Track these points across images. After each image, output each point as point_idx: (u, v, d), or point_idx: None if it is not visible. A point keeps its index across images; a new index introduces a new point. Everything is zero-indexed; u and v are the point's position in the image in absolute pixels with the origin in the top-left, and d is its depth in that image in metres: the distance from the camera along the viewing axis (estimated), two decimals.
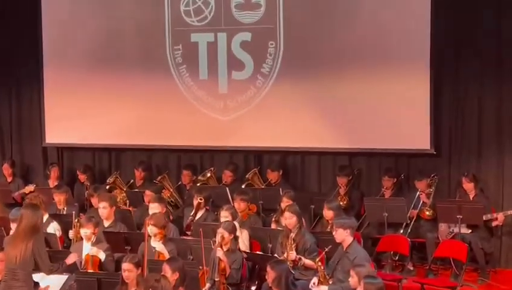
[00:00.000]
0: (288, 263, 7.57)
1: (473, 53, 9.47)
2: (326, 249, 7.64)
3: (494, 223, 9.00)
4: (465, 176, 9.20)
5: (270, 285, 7.05)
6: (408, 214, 9.14)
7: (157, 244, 7.88)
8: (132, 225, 8.96)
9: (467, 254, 8.30)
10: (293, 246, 7.82)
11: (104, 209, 8.60)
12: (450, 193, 9.66)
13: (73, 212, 8.82)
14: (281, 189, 9.45)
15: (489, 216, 8.91)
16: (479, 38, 9.42)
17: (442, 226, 9.06)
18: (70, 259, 7.33)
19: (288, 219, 8.05)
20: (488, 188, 9.50)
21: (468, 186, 9.18)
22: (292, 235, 7.90)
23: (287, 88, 10.15)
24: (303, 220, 8.28)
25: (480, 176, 9.45)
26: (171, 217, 9.32)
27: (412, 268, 9.12)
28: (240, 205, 8.90)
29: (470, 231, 8.95)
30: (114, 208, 8.73)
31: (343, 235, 7.56)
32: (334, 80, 9.89)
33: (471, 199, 9.13)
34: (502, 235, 9.41)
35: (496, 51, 9.40)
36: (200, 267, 7.62)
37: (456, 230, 8.83)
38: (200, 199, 9.01)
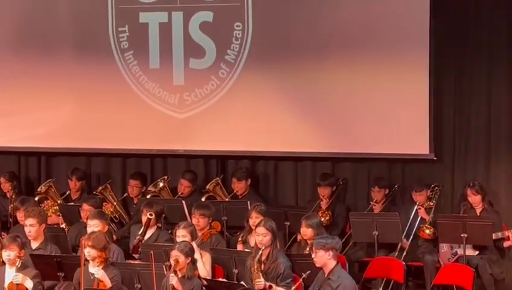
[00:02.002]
0: None
1: (480, 38, 9.55)
2: (304, 275, 7.69)
3: (505, 244, 9.07)
4: (470, 187, 9.26)
5: None
6: (403, 233, 9.16)
7: (96, 270, 7.86)
8: (66, 247, 8.92)
9: (473, 281, 8.37)
10: (259, 270, 7.79)
11: (31, 227, 8.56)
12: (453, 208, 9.75)
13: None
14: (249, 202, 9.45)
15: (499, 235, 8.99)
16: (488, 21, 9.50)
17: (444, 247, 9.12)
18: None
19: (261, 236, 8.04)
20: (499, 201, 9.60)
21: (475, 199, 9.24)
22: (261, 254, 7.87)
23: (257, 80, 10.17)
24: (277, 241, 8.27)
25: (489, 186, 9.55)
26: (114, 237, 9.36)
27: None
28: (199, 221, 8.87)
29: (477, 252, 9.04)
30: (44, 225, 8.68)
31: (324, 258, 7.60)
32: (315, 70, 9.93)
33: (478, 214, 9.21)
34: None
35: (507, 36, 9.49)
36: None
37: (460, 252, 8.91)
38: (150, 215, 9.01)
